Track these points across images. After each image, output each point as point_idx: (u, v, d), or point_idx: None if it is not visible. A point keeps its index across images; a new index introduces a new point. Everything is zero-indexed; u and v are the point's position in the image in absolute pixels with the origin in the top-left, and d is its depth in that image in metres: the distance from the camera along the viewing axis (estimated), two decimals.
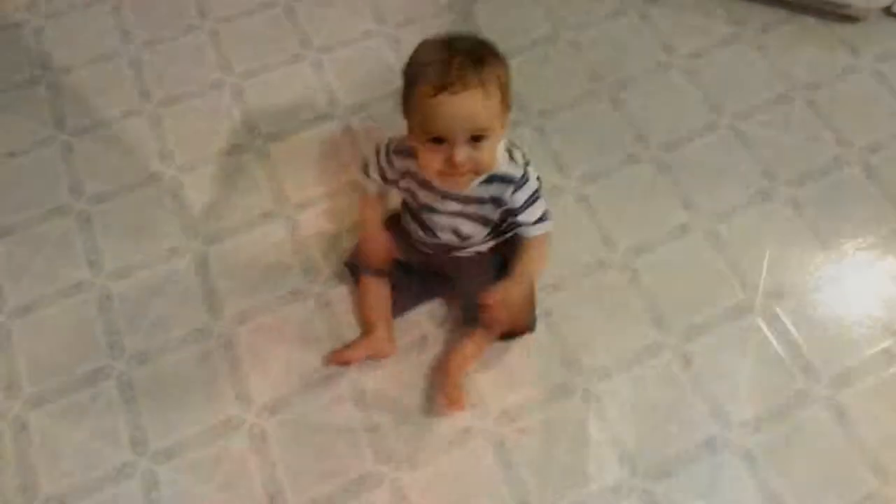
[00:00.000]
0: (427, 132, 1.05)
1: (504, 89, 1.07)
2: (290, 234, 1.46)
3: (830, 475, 1.23)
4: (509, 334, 1.32)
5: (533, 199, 1.17)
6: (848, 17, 1.69)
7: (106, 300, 1.39)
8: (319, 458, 1.25)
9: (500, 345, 1.33)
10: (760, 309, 1.37)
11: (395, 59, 1.66)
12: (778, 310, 1.37)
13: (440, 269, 1.33)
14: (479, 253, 1.29)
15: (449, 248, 1.28)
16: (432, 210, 1.21)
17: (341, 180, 1.52)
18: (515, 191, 1.15)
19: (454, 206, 1.20)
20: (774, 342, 1.34)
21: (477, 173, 1.10)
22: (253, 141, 1.57)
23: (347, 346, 1.32)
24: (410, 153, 1.16)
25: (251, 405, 1.29)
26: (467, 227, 1.23)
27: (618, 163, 1.53)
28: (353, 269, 1.37)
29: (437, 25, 1.70)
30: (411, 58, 1.08)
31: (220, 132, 1.58)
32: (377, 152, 1.23)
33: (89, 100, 1.63)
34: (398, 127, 1.55)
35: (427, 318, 1.37)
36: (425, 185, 1.19)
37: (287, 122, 1.59)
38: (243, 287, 1.40)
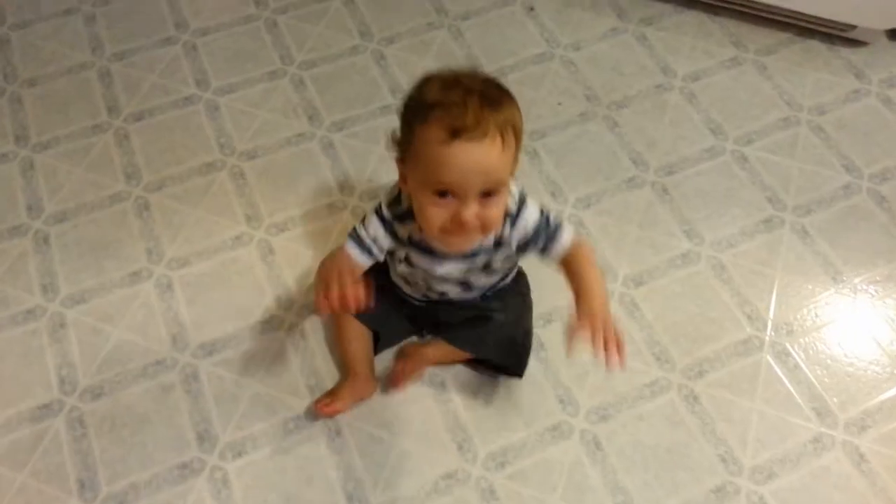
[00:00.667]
0: (434, 184, 0.88)
1: (519, 136, 0.92)
2: (263, 258, 1.35)
3: None
4: (498, 367, 1.21)
5: (545, 217, 1.01)
6: (853, 41, 1.63)
7: (59, 327, 1.27)
8: None
9: (487, 380, 1.23)
10: (769, 345, 1.27)
11: (380, 75, 1.57)
12: (788, 346, 1.27)
13: (432, 315, 1.22)
14: (473, 298, 1.18)
15: (447, 300, 1.16)
16: (436, 277, 1.09)
17: (320, 202, 1.42)
18: (515, 220, 1.01)
19: (461, 266, 1.06)
20: (786, 381, 1.24)
21: (484, 232, 0.95)
22: (227, 159, 1.47)
23: (333, 396, 1.18)
24: (410, 215, 1.01)
25: (214, 446, 1.17)
26: (474, 278, 1.10)
27: (614, 187, 1.44)
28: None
29: (425, 42, 1.62)
30: (414, 95, 0.92)
31: (191, 149, 1.48)
32: (364, 223, 1.04)
33: (54, 114, 1.53)
34: (381, 146, 1.47)
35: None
36: (429, 249, 1.05)
37: (264, 140, 1.49)
38: (211, 315, 1.29)
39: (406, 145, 0.93)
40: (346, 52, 1.62)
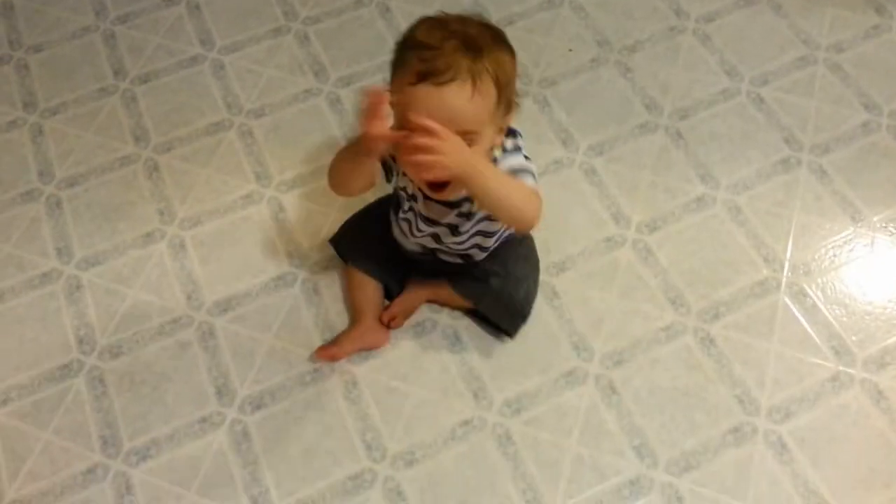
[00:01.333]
0: (403, 126, 0.87)
1: (502, 87, 0.90)
2: (274, 215, 1.35)
3: (871, 465, 1.11)
4: (489, 319, 1.20)
5: (516, 171, 0.99)
6: None
7: (76, 290, 1.28)
8: (307, 459, 1.13)
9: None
10: (787, 286, 1.25)
11: (386, 28, 1.55)
12: (805, 286, 1.25)
13: (430, 268, 1.21)
14: (465, 261, 1.16)
15: (434, 253, 1.15)
16: (424, 218, 1.08)
17: (329, 157, 1.40)
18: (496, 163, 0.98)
19: (446, 213, 1.05)
20: (803, 321, 1.22)
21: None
22: (234, 118, 1.46)
23: (335, 341, 1.20)
24: None
25: (233, 400, 1.18)
26: (444, 235, 1.09)
27: (627, 133, 1.41)
28: (339, 247, 1.26)
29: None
30: (404, 35, 0.93)
31: (199, 109, 1.47)
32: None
33: (60, 79, 1.52)
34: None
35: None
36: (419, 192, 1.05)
37: (271, 98, 1.48)
38: (224, 273, 1.29)
39: (392, 86, 0.93)
40: (350, 6, 1.59)
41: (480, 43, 0.88)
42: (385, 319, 1.21)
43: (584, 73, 1.49)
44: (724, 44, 1.51)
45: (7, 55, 1.56)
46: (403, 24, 1.54)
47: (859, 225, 1.31)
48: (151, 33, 1.58)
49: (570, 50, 1.52)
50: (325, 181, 1.37)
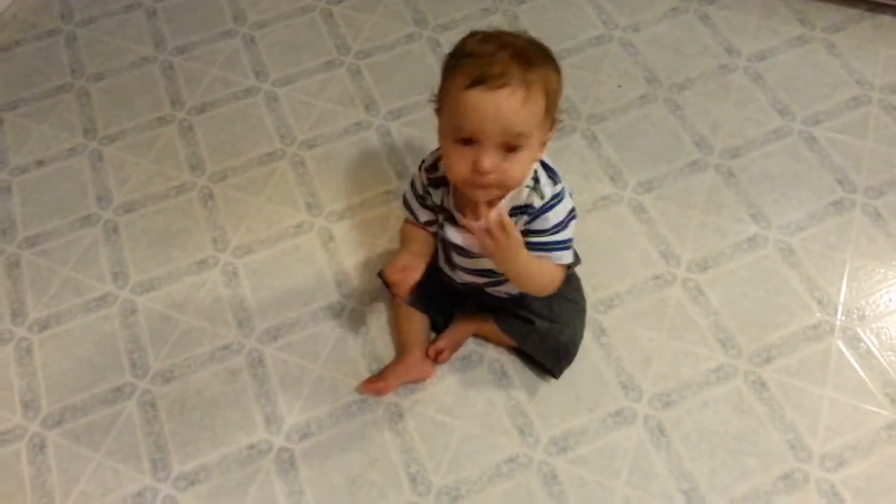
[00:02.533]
0: (456, 129, 0.92)
1: (550, 98, 0.93)
2: (324, 245, 1.37)
3: None
4: (534, 359, 1.20)
5: (558, 227, 1.01)
6: None
7: (130, 314, 1.31)
8: (352, 490, 1.14)
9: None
10: (840, 330, 1.23)
11: (436, 63, 1.57)
12: (859, 331, 1.23)
13: (477, 301, 1.22)
14: (511, 296, 1.17)
15: (481, 288, 1.16)
16: (454, 247, 1.09)
17: (378, 189, 1.43)
18: (532, 220, 1.00)
19: (475, 242, 1.04)
20: (857, 367, 1.20)
21: (502, 188, 0.96)
22: (287, 149, 1.49)
23: (382, 375, 1.20)
24: (444, 181, 1.05)
25: (280, 428, 1.19)
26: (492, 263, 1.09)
27: (677, 170, 1.41)
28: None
29: (481, 27, 1.60)
30: (455, 47, 0.97)
31: (253, 140, 1.51)
32: (412, 183, 1.11)
33: (120, 107, 1.57)
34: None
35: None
36: (451, 217, 1.06)
37: (322, 129, 1.51)
38: (275, 301, 1.31)
39: (441, 94, 0.96)
40: (402, 41, 1.62)
41: (531, 55, 0.92)
42: (432, 353, 1.22)
43: (633, 109, 1.49)
44: (775, 83, 1.50)
45: (69, 84, 1.62)
46: None
47: None
48: (208, 65, 1.62)
49: (619, 86, 1.52)
50: (373, 212, 1.40)
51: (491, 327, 1.21)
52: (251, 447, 1.18)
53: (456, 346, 1.23)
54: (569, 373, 1.21)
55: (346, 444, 1.18)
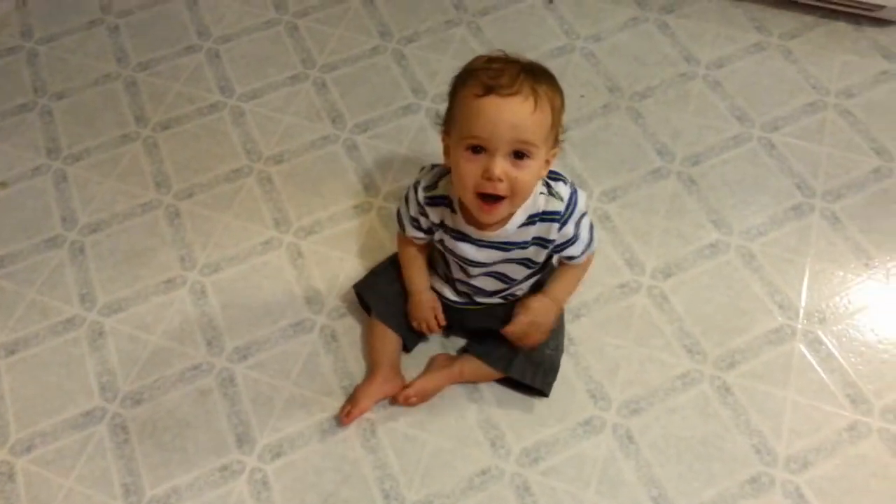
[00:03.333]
0: (468, 136, 0.95)
1: (555, 115, 0.98)
2: (292, 261, 1.37)
3: None
4: (519, 384, 1.20)
5: (580, 228, 1.08)
6: (881, 21, 1.60)
7: (98, 336, 1.30)
8: None
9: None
10: (802, 333, 1.26)
11: (401, 75, 1.58)
12: (820, 333, 1.26)
13: (463, 319, 1.23)
14: (513, 297, 1.19)
15: (487, 295, 1.18)
16: (471, 262, 1.10)
17: (346, 204, 1.43)
18: (562, 226, 1.06)
19: (496, 256, 1.09)
20: (819, 369, 1.23)
21: (512, 199, 0.98)
22: (253, 165, 1.49)
23: (354, 399, 1.19)
24: (443, 201, 1.07)
25: (253, 448, 1.19)
26: (510, 270, 1.12)
27: (640, 178, 1.43)
28: (363, 296, 1.27)
29: (445, 39, 1.62)
30: (462, 70, 1.00)
31: (219, 156, 1.50)
32: (406, 201, 1.13)
33: (83, 125, 1.56)
34: (405, 146, 1.48)
35: (440, 347, 1.27)
36: (462, 236, 1.08)
37: (289, 144, 1.51)
38: (244, 319, 1.31)
39: (449, 112, 1.01)
40: (367, 54, 1.63)
41: (538, 71, 0.97)
42: (401, 399, 1.19)
43: (596, 119, 1.51)
44: (734, 90, 1.53)
45: (32, 102, 1.60)
46: (419, 71, 1.58)
47: (873, 271, 1.32)
48: (172, 80, 1.61)
49: (582, 96, 1.54)
50: (342, 226, 1.40)
51: (471, 366, 1.20)
52: (224, 468, 1.18)
53: (427, 397, 1.21)
54: None
55: (319, 462, 1.18)
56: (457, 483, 1.15)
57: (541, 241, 1.07)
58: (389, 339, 1.22)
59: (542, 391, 1.19)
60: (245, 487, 1.16)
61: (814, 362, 1.24)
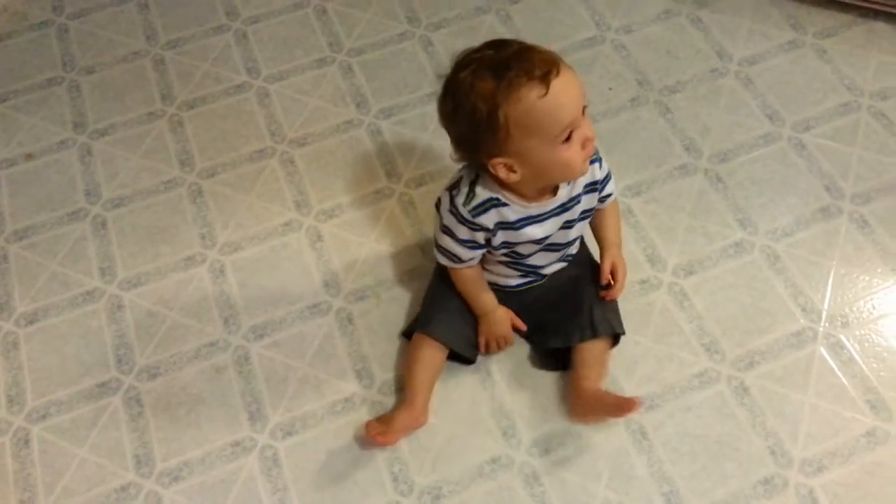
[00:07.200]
0: (560, 133, 0.92)
1: None
2: (311, 244, 1.37)
3: None
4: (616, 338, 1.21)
5: (603, 164, 1.11)
6: None
7: (117, 310, 1.32)
8: (336, 487, 1.14)
9: (532, 368, 1.23)
10: (823, 337, 1.24)
11: (427, 61, 1.57)
12: (843, 338, 1.24)
13: (524, 301, 1.22)
14: (570, 257, 1.20)
15: (548, 265, 1.18)
16: (536, 242, 1.09)
17: (368, 189, 1.43)
18: (600, 163, 1.09)
19: (558, 223, 1.08)
20: (840, 374, 1.21)
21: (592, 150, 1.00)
22: (277, 146, 1.49)
23: (388, 426, 1.12)
24: (491, 202, 1.03)
25: (265, 426, 1.20)
26: (572, 233, 1.12)
27: (666, 174, 1.41)
28: (428, 326, 1.19)
29: (474, 26, 1.61)
30: (468, 89, 0.93)
31: (243, 136, 1.51)
32: (447, 233, 1.08)
33: (110, 101, 1.57)
34: (429, 133, 1.47)
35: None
36: (524, 221, 1.05)
37: (313, 127, 1.51)
38: (262, 299, 1.32)
39: (497, 136, 0.93)
40: (394, 39, 1.62)
41: (524, 45, 0.95)
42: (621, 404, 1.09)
43: (624, 112, 1.49)
44: (766, 88, 1.51)
45: (60, 77, 1.61)
46: (446, 59, 1.57)
47: None
48: (200, 60, 1.62)
49: (610, 89, 1.52)
50: (362, 211, 1.40)
51: (582, 365, 1.15)
52: (235, 444, 1.19)
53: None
54: (553, 375, 1.22)
55: (331, 442, 1.18)
56: (466, 470, 1.15)
57: (591, 186, 1.09)
58: (432, 366, 1.17)
59: (622, 332, 1.20)
60: (256, 464, 1.17)
61: (834, 366, 1.21)
